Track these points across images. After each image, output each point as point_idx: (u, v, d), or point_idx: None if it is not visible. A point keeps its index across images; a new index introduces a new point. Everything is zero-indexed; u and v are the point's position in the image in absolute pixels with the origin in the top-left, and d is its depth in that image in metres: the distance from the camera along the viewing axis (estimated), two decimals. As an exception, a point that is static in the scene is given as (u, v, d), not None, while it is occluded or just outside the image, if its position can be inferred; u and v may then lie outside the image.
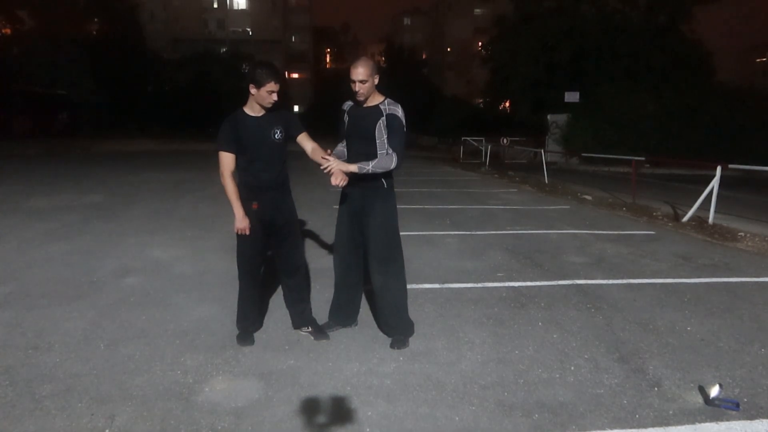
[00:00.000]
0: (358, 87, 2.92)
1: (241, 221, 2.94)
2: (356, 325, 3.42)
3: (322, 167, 2.88)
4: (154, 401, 2.46)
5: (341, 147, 3.18)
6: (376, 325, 3.38)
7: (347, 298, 3.34)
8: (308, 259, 4.11)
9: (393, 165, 2.95)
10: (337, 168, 2.84)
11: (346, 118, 3.13)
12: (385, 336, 3.23)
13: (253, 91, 2.87)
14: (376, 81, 2.96)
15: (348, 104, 3.15)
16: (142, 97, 36.90)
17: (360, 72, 2.89)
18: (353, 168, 2.89)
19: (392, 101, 3.06)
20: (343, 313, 3.36)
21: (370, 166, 2.91)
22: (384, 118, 2.97)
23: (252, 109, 2.95)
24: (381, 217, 3.08)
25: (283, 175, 3.05)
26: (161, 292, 4.04)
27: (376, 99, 3.03)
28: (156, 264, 4.81)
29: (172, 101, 36.53)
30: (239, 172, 2.98)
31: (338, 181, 2.80)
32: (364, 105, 3.02)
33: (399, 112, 3.00)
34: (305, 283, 3.32)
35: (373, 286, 3.14)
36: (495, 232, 6.60)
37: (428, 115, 35.99)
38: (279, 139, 2.96)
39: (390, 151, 2.97)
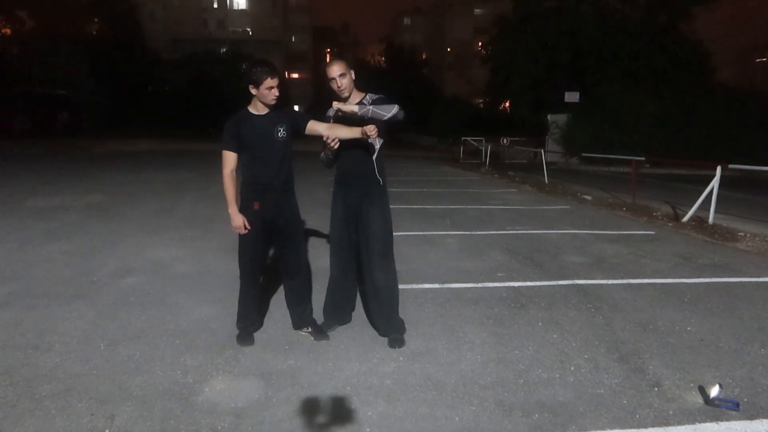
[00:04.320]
0: (339, 82, 2.97)
1: (235, 220, 2.94)
2: (350, 321, 3.46)
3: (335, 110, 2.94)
4: (154, 401, 2.46)
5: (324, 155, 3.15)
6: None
7: (344, 297, 3.36)
8: (309, 260, 4.12)
9: (394, 111, 2.92)
10: (340, 107, 2.89)
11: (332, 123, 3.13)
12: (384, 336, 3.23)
13: (253, 91, 2.87)
14: (353, 76, 3.01)
15: (332, 110, 3.16)
16: (143, 97, 36.88)
17: (335, 69, 2.96)
18: (354, 108, 2.91)
19: (373, 94, 3.10)
20: (339, 312, 3.39)
21: (371, 107, 2.92)
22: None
23: (256, 108, 2.95)
24: (380, 213, 3.12)
25: (287, 175, 3.03)
26: (161, 292, 4.04)
27: (358, 96, 3.08)
28: (156, 264, 4.81)
29: (172, 101, 36.51)
30: (242, 171, 2.98)
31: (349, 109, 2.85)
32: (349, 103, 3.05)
33: (383, 95, 3.07)
34: (307, 284, 3.32)
35: (374, 283, 3.14)
36: (495, 232, 6.60)
37: (428, 115, 36.00)
38: (282, 137, 2.96)
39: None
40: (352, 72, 3.01)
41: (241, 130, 2.90)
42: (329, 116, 3.17)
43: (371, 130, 2.78)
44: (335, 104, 2.93)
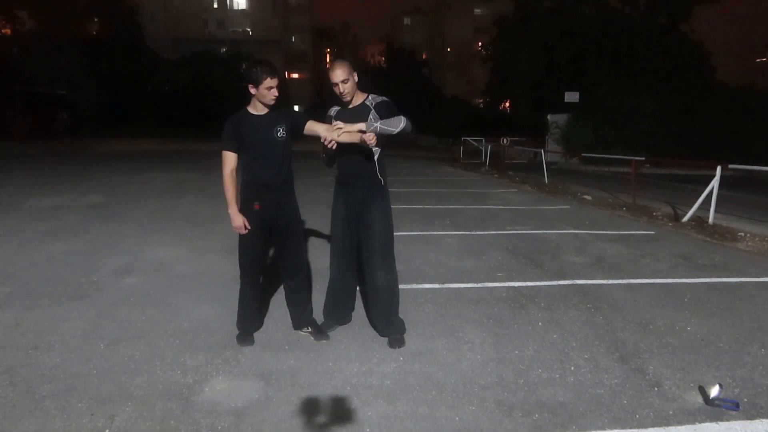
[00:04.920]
0: (341, 88, 2.96)
1: (236, 220, 2.94)
2: (350, 321, 3.46)
3: (327, 141, 2.89)
4: (154, 401, 2.46)
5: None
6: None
7: (344, 297, 3.37)
8: (309, 260, 4.12)
9: (402, 125, 2.87)
10: (346, 131, 2.84)
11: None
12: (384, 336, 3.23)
13: (252, 90, 2.87)
14: (356, 78, 2.99)
15: (333, 110, 3.16)
16: (143, 97, 36.84)
17: (339, 73, 2.94)
18: (360, 126, 2.87)
19: (376, 95, 3.09)
20: (339, 312, 3.39)
21: (377, 124, 2.87)
22: (373, 110, 3.00)
23: (255, 108, 2.95)
24: (381, 214, 3.11)
25: (286, 175, 3.03)
26: (161, 292, 4.04)
27: (360, 97, 3.07)
28: (156, 264, 4.81)
29: (173, 101, 36.46)
30: (242, 171, 2.99)
31: (368, 140, 2.78)
32: (351, 105, 3.05)
33: (386, 99, 3.04)
34: (306, 284, 3.32)
35: (375, 284, 3.14)
36: (495, 232, 6.60)
37: (428, 115, 36.00)
38: (282, 137, 2.96)
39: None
40: (355, 74, 2.99)
41: (240, 130, 2.90)
42: (329, 116, 3.17)
43: (370, 138, 2.77)
44: (340, 125, 2.88)
